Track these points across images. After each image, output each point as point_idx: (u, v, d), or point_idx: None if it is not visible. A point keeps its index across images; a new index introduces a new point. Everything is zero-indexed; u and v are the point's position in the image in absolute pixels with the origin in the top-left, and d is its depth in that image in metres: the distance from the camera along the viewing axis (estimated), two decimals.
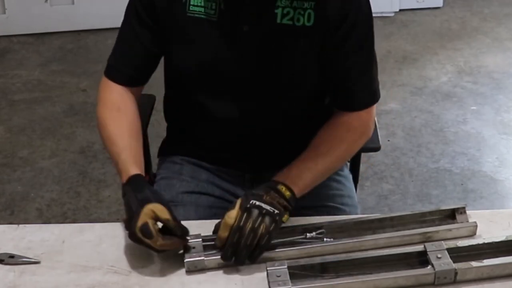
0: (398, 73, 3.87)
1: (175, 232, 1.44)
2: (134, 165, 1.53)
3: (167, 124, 1.87)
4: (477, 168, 3.13)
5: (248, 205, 1.45)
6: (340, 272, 1.41)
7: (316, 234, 1.50)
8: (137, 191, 1.47)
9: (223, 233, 1.44)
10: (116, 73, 1.68)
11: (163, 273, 1.45)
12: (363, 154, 1.81)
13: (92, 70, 3.90)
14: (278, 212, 1.46)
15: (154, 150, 1.94)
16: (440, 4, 4.56)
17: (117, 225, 1.57)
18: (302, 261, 1.42)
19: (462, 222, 1.54)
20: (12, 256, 1.49)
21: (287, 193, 1.51)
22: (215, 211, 1.72)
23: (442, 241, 1.44)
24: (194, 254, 1.45)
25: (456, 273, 1.39)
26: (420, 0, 4.52)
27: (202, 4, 1.58)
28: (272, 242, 1.46)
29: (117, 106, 1.65)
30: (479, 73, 3.86)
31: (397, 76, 3.84)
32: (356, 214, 1.76)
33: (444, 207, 1.57)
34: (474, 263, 1.40)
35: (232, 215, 1.45)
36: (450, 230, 1.52)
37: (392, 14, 4.46)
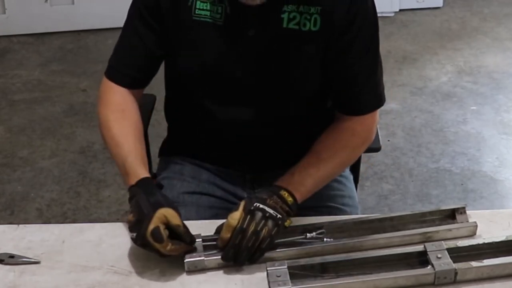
0: (398, 73, 3.87)
1: (183, 239, 1.44)
2: (143, 167, 1.53)
3: (168, 124, 1.87)
4: (477, 168, 3.13)
5: (252, 208, 1.46)
6: (340, 272, 1.41)
7: (316, 234, 1.50)
8: (148, 194, 1.46)
9: (226, 234, 1.45)
10: (118, 74, 1.67)
11: (163, 273, 1.45)
12: (363, 154, 1.80)
13: (92, 70, 3.90)
14: (280, 216, 1.47)
15: (154, 150, 1.94)
16: (440, 4, 4.56)
17: (117, 225, 1.57)
18: (302, 261, 1.42)
19: (462, 222, 1.54)
20: (12, 256, 1.49)
21: (289, 199, 1.51)
22: (216, 212, 1.72)
23: (442, 241, 1.44)
24: (194, 254, 1.45)
25: (456, 273, 1.39)
26: (420, 0, 4.52)
27: (208, 8, 1.58)
28: None
29: (121, 108, 1.64)
30: (479, 73, 3.86)
31: (397, 76, 3.84)
32: (357, 214, 1.76)
33: (444, 207, 1.57)
34: (474, 263, 1.40)
35: (235, 216, 1.45)
36: (450, 230, 1.52)
37: (392, 14, 4.46)
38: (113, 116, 1.62)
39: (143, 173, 1.52)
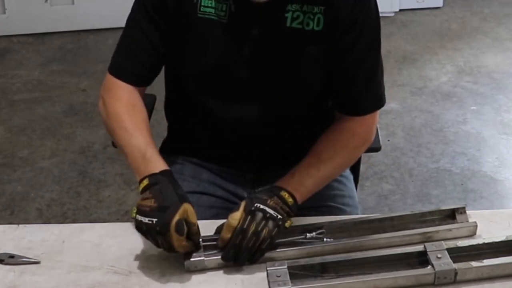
0: (398, 73, 3.87)
1: (193, 239, 1.44)
2: (163, 160, 1.53)
3: (168, 124, 1.87)
4: (477, 168, 3.13)
5: (253, 208, 1.46)
6: (340, 272, 1.41)
7: (316, 234, 1.50)
8: (175, 185, 1.47)
9: (226, 234, 1.45)
10: (123, 71, 1.65)
11: (163, 273, 1.45)
12: (363, 154, 1.80)
13: (92, 70, 3.90)
14: (281, 217, 1.47)
15: None
16: (440, 4, 4.56)
17: (117, 225, 1.57)
18: (302, 261, 1.42)
19: (462, 222, 1.54)
20: (12, 256, 1.49)
21: (290, 200, 1.51)
22: (216, 211, 1.72)
23: (442, 241, 1.44)
24: (194, 254, 1.45)
25: (456, 273, 1.39)
26: (420, 0, 4.52)
27: (213, 5, 1.58)
28: None
29: (132, 103, 1.63)
30: (479, 73, 3.86)
31: (397, 76, 3.84)
32: (357, 214, 1.76)
33: (444, 207, 1.57)
34: (474, 263, 1.40)
35: (236, 216, 1.45)
36: (450, 230, 1.52)
37: (392, 14, 4.46)
38: (125, 109, 1.61)
39: (165, 165, 1.52)
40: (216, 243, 1.47)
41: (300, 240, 1.49)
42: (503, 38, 4.22)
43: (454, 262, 1.39)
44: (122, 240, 1.53)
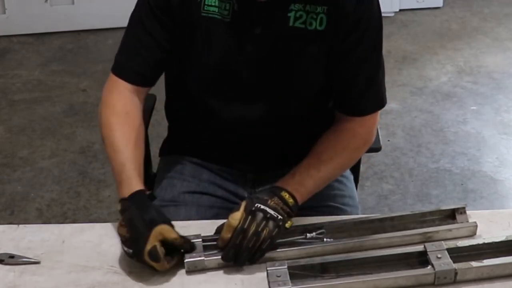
0: (398, 73, 3.87)
1: (183, 248, 1.44)
2: (138, 178, 1.52)
3: (169, 124, 1.87)
4: (477, 168, 3.13)
5: (253, 208, 1.46)
6: (340, 272, 1.41)
7: (316, 234, 1.50)
8: (142, 210, 1.45)
9: (226, 234, 1.45)
10: (127, 71, 1.64)
11: (163, 273, 1.45)
12: (363, 154, 1.80)
13: (92, 70, 3.90)
14: (281, 218, 1.47)
15: (154, 150, 1.94)
16: (440, 4, 4.56)
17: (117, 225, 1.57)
18: (302, 261, 1.42)
19: (462, 222, 1.54)
20: (12, 256, 1.49)
21: (290, 200, 1.51)
22: (217, 211, 1.72)
23: (442, 241, 1.44)
24: (194, 254, 1.45)
25: (456, 273, 1.39)
26: (420, 0, 4.52)
27: (217, 4, 1.57)
28: None
29: (124, 111, 1.62)
30: (479, 73, 3.86)
31: (397, 76, 3.84)
32: (357, 214, 1.76)
33: (444, 207, 1.57)
34: (474, 263, 1.40)
35: (236, 216, 1.45)
36: (450, 230, 1.52)
37: (392, 14, 4.46)
38: (116, 119, 1.60)
39: (137, 185, 1.51)
40: (216, 243, 1.47)
41: (300, 240, 1.49)
42: (503, 38, 4.22)
43: (454, 262, 1.39)
44: None
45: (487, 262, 1.41)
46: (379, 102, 1.67)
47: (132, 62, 1.64)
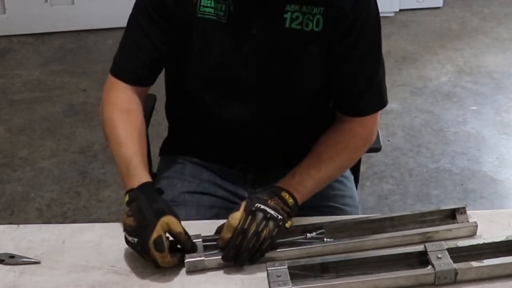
0: (398, 73, 3.87)
1: (184, 246, 1.44)
2: (145, 171, 1.53)
3: (169, 124, 1.87)
4: (477, 168, 3.13)
5: (253, 208, 1.46)
6: (340, 272, 1.41)
7: (317, 234, 1.50)
8: (151, 200, 1.46)
9: (226, 234, 1.45)
10: (124, 71, 1.65)
11: (163, 273, 1.45)
12: (363, 155, 1.81)
13: (92, 70, 3.90)
14: (281, 218, 1.47)
15: (154, 150, 1.94)
16: (440, 4, 4.57)
17: (117, 225, 1.57)
18: (303, 261, 1.42)
19: (462, 222, 1.54)
20: (12, 256, 1.49)
21: (290, 200, 1.52)
22: (217, 211, 1.72)
23: (443, 241, 1.44)
24: (194, 254, 1.45)
25: (456, 273, 1.39)
26: (420, 0, 4.52)
27: (212, 5, 1.58)
28: None
29: (126, 108, 1.63)
30: (479, 73, 3.86)
31: (397, 76, 3.84)
32: (357, 214, 1.76)
33: (444, 207, 1.57)
34: (474, 263, 1.40)
35: (236, 216, 1.45)
36: (450, 230, 1.52)
37: (392, 14, 4.46)
38: (120, 116, 1.61)
39: (146, 177, 1.51)
40: (217, 243, 1.47)
41: (301, 240, 1.49)
42: (503, 38, 4.23)
43: (454, 262, 1.39)
44: (122, 240, 1.52)
45: (487, 262, 1.41)
46: (379, 102, 1.67)
47: (130, 63, 1.65)
